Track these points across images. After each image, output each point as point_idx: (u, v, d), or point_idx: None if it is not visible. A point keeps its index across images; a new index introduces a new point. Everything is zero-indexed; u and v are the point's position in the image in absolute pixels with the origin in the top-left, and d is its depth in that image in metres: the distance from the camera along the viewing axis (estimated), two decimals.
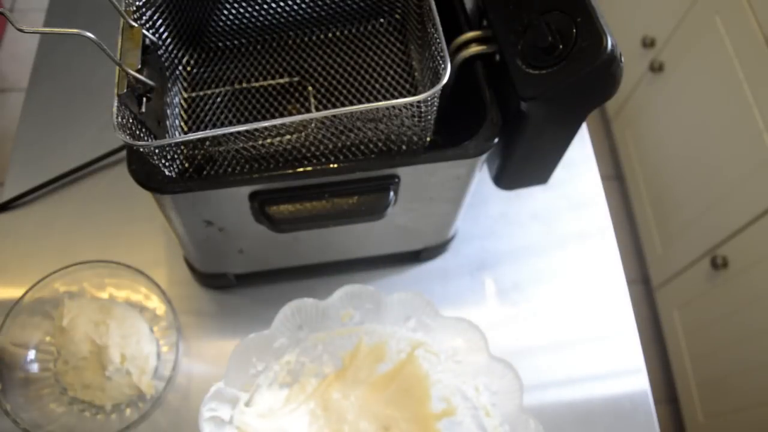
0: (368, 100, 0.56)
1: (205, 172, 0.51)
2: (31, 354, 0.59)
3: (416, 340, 0.56)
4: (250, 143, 0.47)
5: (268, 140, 0.48)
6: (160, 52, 0.52)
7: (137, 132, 0.45)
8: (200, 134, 0.43)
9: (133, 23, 0.46)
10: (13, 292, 0.65)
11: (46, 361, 0.60)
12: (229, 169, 0.50)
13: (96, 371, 0.57)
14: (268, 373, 0.54)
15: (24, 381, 0.58)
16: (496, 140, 0.49)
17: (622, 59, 0.43)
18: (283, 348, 0.54)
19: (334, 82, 0.57)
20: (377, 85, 0.56)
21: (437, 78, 0.46)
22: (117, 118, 0.42)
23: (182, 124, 0.55)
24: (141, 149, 0.45)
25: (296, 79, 0.58)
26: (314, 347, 0.55)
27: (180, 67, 0.57)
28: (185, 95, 0.56)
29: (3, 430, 0.56)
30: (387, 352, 0.56)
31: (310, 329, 0.55)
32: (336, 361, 0.56)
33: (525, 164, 0.56)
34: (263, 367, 0.53)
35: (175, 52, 0.56)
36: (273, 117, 0.55)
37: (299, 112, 0.56)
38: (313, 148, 0.50)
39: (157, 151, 0.46)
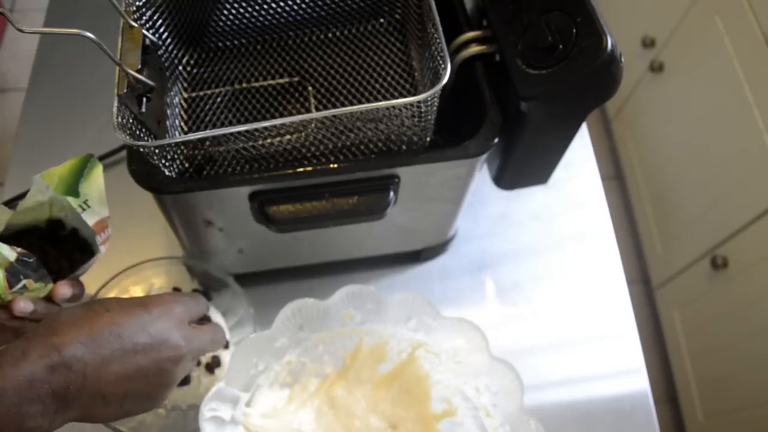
0: (368, 100, 0.56)
1: (205, 172, 0.51)
2: None
3: (417, 341, 0.56)
4: (250, 143, 0.47)
5: (268, 140, 0.48)
6: (160, 52, 0.52)
7: (137, 132, 0.45)
8: (200, 134, 0.43)
9: (133, 23, 0.46)
10: None
11: None
12: (229, 169, 0.50)
13: None
14: (269, 373, 0.54)
15: None
16: (496, 140, 0.49)
17: (622, 59, 0.43)
18: (284, 348, 0.54)
19: (334, 82, 0.57)
20: (377, 85, 0.56)
21: (437, 78, 0.46)
22: (117, 118, 0.42)
23: (182, 124, 0.55)
24: (141, 149, 0.45)
25: (296, 79, 0.58)
26: (315, 347, 0.55)
27: (180, 67, 0.57)
28: (185, 95, 0.56)
29: None
30: (388, 352, 0.56)
31: (311, 329, 0.55)
32: (337, 362, 0.56)
33: (525, 164, 0.56)
34: (264, 367, 0.53)
35: (175, 52, 0.56)
36: (273, 117, 0.55)
37: (299, 112, 0.56)
38: (313, 148, 0.50)
39: (157, 151, 0.46)
